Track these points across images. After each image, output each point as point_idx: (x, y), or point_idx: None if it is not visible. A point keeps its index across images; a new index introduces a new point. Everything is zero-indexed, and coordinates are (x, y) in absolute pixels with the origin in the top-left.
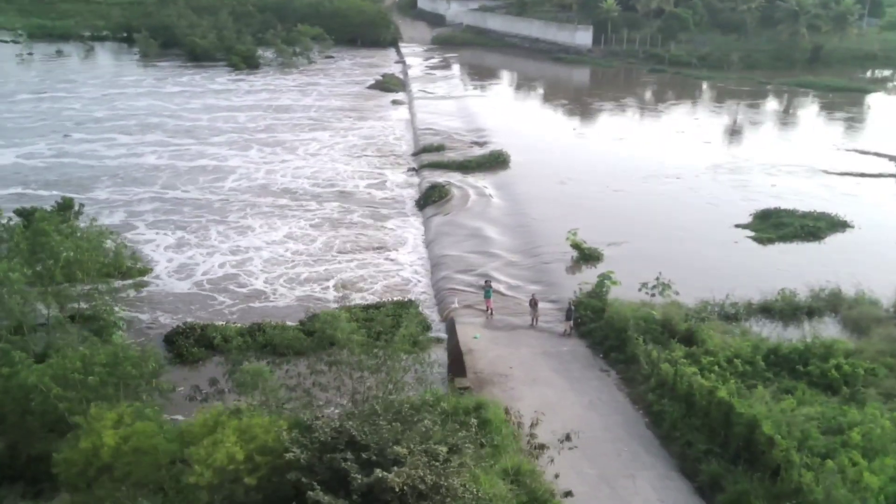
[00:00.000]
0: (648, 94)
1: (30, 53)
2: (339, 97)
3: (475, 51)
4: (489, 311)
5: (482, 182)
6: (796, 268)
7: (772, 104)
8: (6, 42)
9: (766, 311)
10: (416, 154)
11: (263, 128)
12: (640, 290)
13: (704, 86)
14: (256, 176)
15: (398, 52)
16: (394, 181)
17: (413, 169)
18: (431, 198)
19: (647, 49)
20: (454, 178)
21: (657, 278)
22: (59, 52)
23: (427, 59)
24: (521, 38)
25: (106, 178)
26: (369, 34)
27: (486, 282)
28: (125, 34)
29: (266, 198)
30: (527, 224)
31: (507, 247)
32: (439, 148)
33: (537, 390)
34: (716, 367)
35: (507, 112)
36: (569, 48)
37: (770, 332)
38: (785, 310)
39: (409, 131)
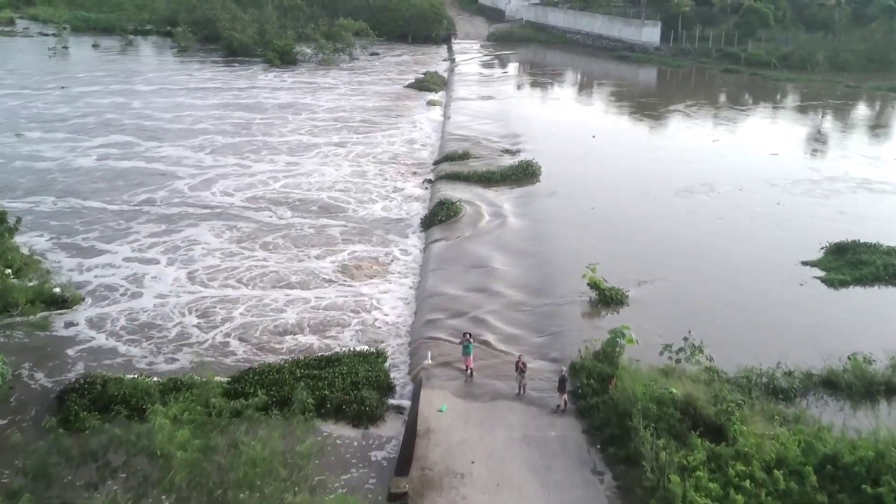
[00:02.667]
0: (722, 98)
1: (64, 47)
2: (372, 97)
3: (534, 48)
4: (468, 371)
5: (502, 198)
6: (876, 323)
7: (862, 111)
8: (47, 35)
9: (831, 385)
10: (437, 163)
11: (268, 131)
12: (661, 353)
13: (786, 89)
14: (217, 186)
15: (449, 48)
16: (405, 194)
17: (429, 180)
18: (438, 216)
19: (722, 48)
20: (473, 191)
21: (686, 338)
22: (96, 46)
23: (481, 56)
24: (584, 34)
25: (30, 183)
26: (421, 29)
27: (464, 335)
28: (168, 28)
29: (214, 217)
30: (543, 253)
31: (514, 282)
32: (464, 156)
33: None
34: (748, 482)
35: (552, 116)
36: (635, 45)
37: (833, 415)
38: (855, 384)
39: (438, 135)
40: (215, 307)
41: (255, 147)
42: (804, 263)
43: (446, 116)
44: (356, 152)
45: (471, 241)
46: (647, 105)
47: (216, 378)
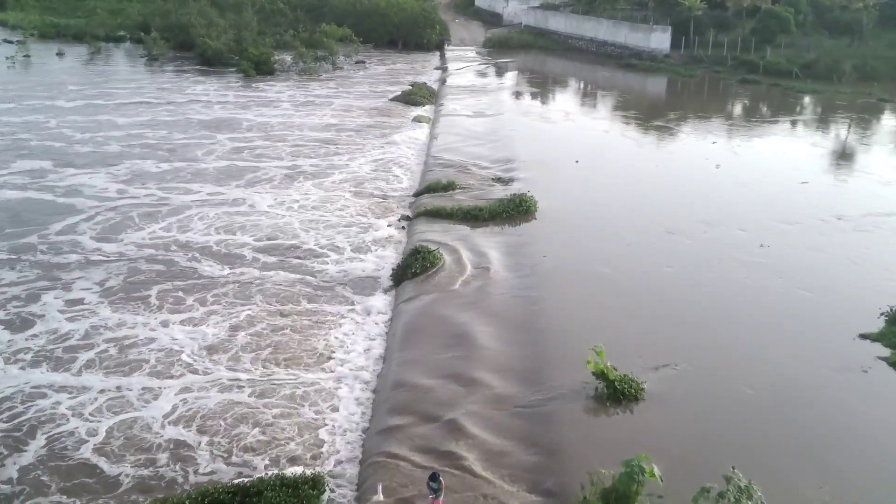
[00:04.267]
0: (738, 110)
1: (26, 56)
2: (350, 113)
3: (533, 55)
4: None
5: (490, 242)
6: None
7: None
8: (11, 42)
9: None
10: (418, 194)
11: (217, 156)
12: (694, 501)
13: (807, 101)
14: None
15: (442, 55)
16: (376, 237)
17: (406, 217)
18: (412, 269)
19: (738, 55)
20: (456, 233)
21: (729, 477)
22: (60, 55)
23: (476, 64)
24: (587, 40)
25: None
26: (412, 35)
27: (431, 477)
28: (141, 34)
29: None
30: (537, 323)
31: (500, 365)
32: (448, 186)
33: None
34: None
35: (551, 133)
36: (642, 52)
37: None
38: None
39: (421, 159)
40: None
41: (193, 176)
42: (862, 337)
43: (432, 136)
44: (322, 181)
45: (449, 303)
46: (656, 118)
47: None
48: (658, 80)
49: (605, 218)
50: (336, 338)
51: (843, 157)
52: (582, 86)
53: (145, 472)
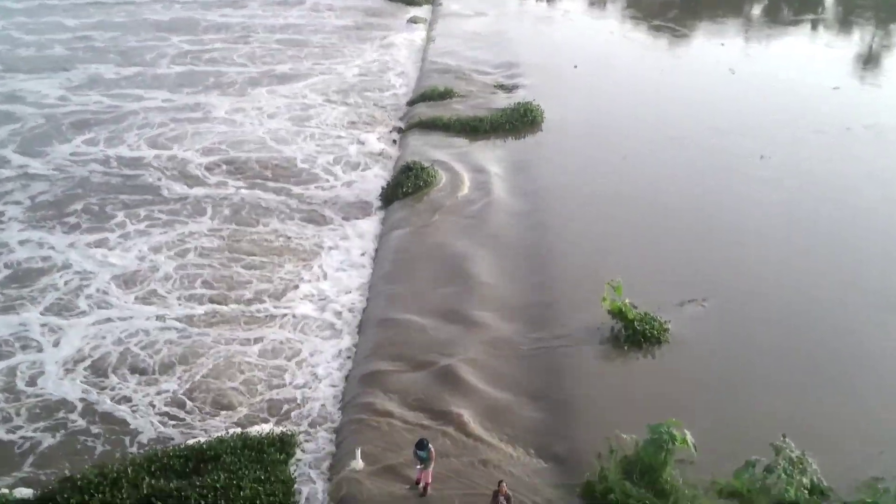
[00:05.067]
0: (756, 11)
1: None
2: (338, 13)
3: None
4: (421, 486)
5: (492, 157)
6: None
7: None
8: None
9: None
10: (412, 103)
11: (173, 60)
12: (740, 475)
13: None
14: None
15: None
16: (365, 151)
17: (398, 129)
18: (403, 188)
19: None
20: (454, 147)
21: (778, 446)
22: None
23: None
24: None
25: None
26: None
27: (418, 444)
28: None
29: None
30: (544, 251)
31: (502, 301)
32: (446, 94)
33: None
34: None
35: (558, 36)
36: None
37: None
38: None
39: (417, 65)
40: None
41: (148, 82)
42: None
43: (429, 38)
44: (308, 89)
45: (445, 227)
46: (666, 18)
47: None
48: None
49: (614, 129)
50: (311, 268)
51: (871, 61)
52: None
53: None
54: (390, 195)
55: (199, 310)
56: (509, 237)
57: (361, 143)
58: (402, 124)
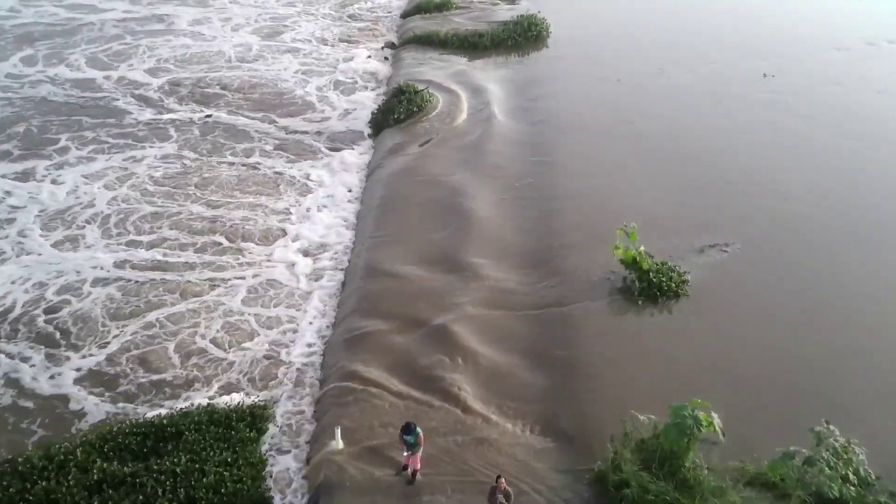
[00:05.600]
0: None
1: None
2: None
3: None
4: (409, 472)
5: (493, 77)
6: None
7: None
8: None
9: None
10: (406, 15)
11: None
12: (777, 466)
13: None
14: None
15: None
16: (354, 70)
17: (391, 45)
18: (395, 113)
19: None
20: (451, 66)
21: (820, 431)
22: None
23: None
24: None
25: None
26: None
27: (404, 428)
28: None
29: None
30: (548, 187)
31: (502, 244)
32: (442, 5)
33: None
34: None
35: None
36: None
37: None
38: None
39: None
40: None
41: None
42: None
43: None
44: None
45: (440, 159)
46: None
47: None
48: None
49: (624, 46)
50: (285, 207)
51: None
52: None
53: None
54: (380, 122)
55: (144, 255)
56: (510, 171)
57: (349, 60)
58: (395, 39)
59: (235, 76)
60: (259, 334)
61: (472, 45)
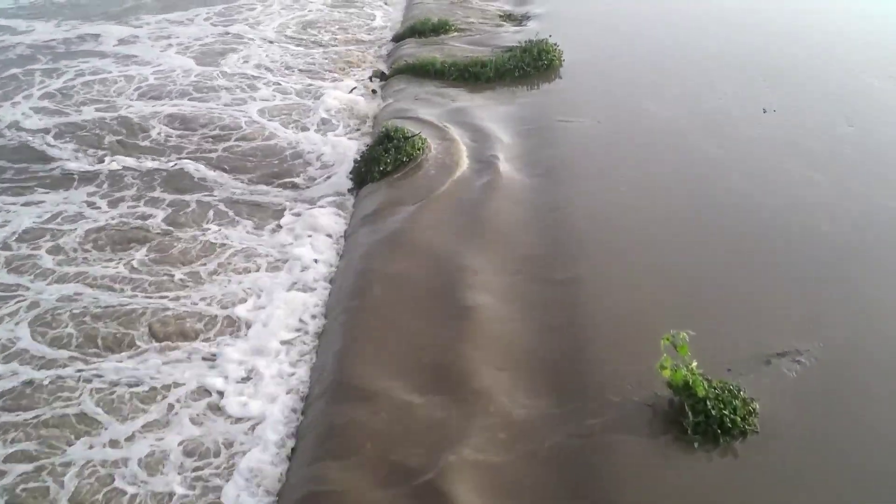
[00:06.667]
0: None
1: None
2: None
3: None
4: None
5: (497, 114)
6: None
7: None
8: None
9: None
10: (398, 38)
11: None
12: None
13: None
14: None
15: None
16: (336, 105)
17: (380, 75)
18: (380, 164)
19: None
20: (449, 102)
21: None
22: None
23: None
24: None
25: None
26: None
27: None
28: None
29: None
30: (569, 268)
31: (512, 352)
32: (439, 27)
33: None
34: None
35: None
36: None
37: None
38: None
39: None
40: None
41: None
42: None
43: None
44: (253, 19)
45: (432, 226)
46: None
47: None
48: None
49: (653, 74)
50: (236, 288)
51: None
52: None
53: None
54: (363, 174)
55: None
56: (520, 241)
57: (327, 93)
58: (385, 67)
59: (178, 112)
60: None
61: (474, 76)
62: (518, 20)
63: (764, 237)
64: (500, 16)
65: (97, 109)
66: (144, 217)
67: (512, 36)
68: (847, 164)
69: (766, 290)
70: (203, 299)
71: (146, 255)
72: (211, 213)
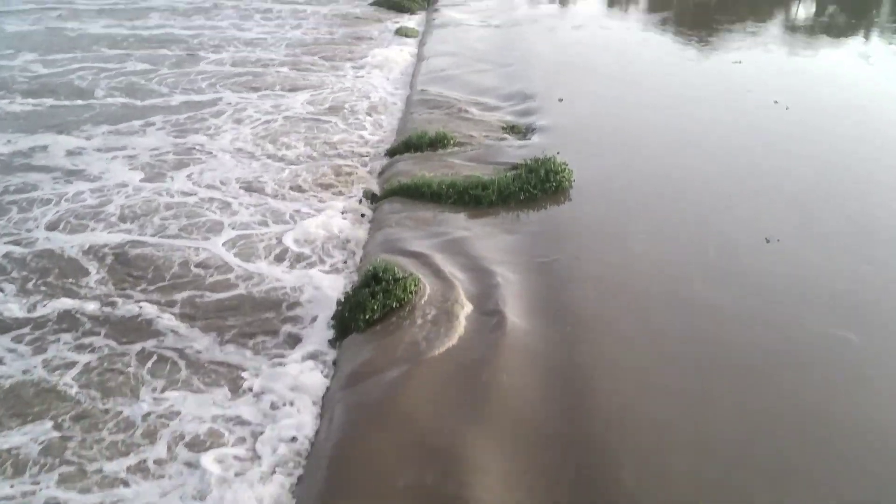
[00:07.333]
0: (808, 13)
1: None
2: (311, 23)
3: None
4: None
5: (501, 245)
6: None
7: None
8: None
9: None
10: (392, 153)
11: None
12: None
13: None
14: None
15: None
16: (317, 232)
17: (371, 196)
18: (366, 312)
19: None
20: (446, 230)
21: None
22: None
23: None
24: None
25: None
26: None
27: None
28: None
29: None
30: (594, 458)
31: None
32: (437, 141)
33: None
34: None
35: (580, 52)
36: None
37: None
38: None
39: (404, 92)
40: None
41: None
42: None
43: (420, 58)
44: (218, 128)
45: (425, 392)
46: (714, 27)
47: None
48: None
49: (677, 195)
50: (189, 488)
51: None
52: None
53: None
54: (346, 321)
55: None
56: (535, 419)
57: (307, 219)
58: (376, 185)
59: (122, 242)
60: None
61: (474, 200)
62: (522, 133)
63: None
64: (503, 127)
65: (11, 242)
66: (63, 373)
67: (516, 151)
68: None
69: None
70: None
71: (57, 433)
72: (156, 373)
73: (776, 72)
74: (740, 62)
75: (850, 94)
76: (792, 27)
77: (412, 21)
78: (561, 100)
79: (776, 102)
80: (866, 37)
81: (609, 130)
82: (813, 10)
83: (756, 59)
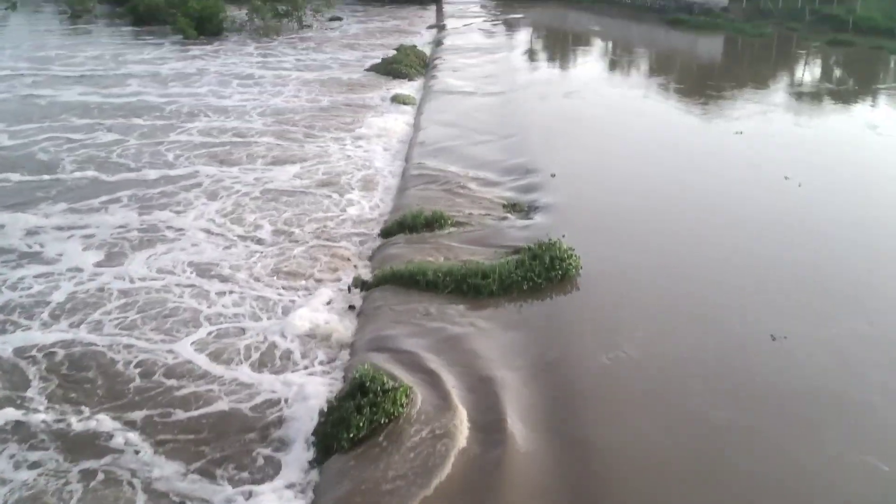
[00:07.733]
0: (813, 77)
1: None
2: (308, 89)
3: (553, 8)
4: None
5: (501, 346)
6: None
7: None
8: None
9: None
10: (386, 234)
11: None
12: None
13: None
14: None
15: (439, 10)
16: (302, 326)
17: (360, 284)
18: (350, 428)
19: (818, 7)
20: (442, 326)
21: None
22: None
23: (481, 20)
24: None
25: None
26: None
27: None
28: None
29: None
30: None
31: None
32: (433, 221)
33: None
34: None
35: (582, 121)
36: (693, 5)
37: None
38: None
39: (399, 165)
40: None
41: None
42: None
43: (417, 127)
44: (189, 203)
45: None
46: (722, 98)
47: None
48: (713, 40)
49: (691, 283)
50: None
51: None
52: (611, 47)
53: None
54: (328, 439)
55: None
56: None
57: (291, 311)
58: (367, 270)
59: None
60: None
61: (474, 290)
62: (524, 211)
63: None
64: (504, 205)
65: None
66: None
67: (518, 232)
68: None
69: None
70: None
71: None
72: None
73: (783, 143)
74: (741, 132)
75: (861, 169)
76: (796, 94)
77: (409, 88)
78: (553, 175)
79: (787, 178)
80: (873, 103)
81: (614, 210)
82: (818, 74)
83: (759, 129)
